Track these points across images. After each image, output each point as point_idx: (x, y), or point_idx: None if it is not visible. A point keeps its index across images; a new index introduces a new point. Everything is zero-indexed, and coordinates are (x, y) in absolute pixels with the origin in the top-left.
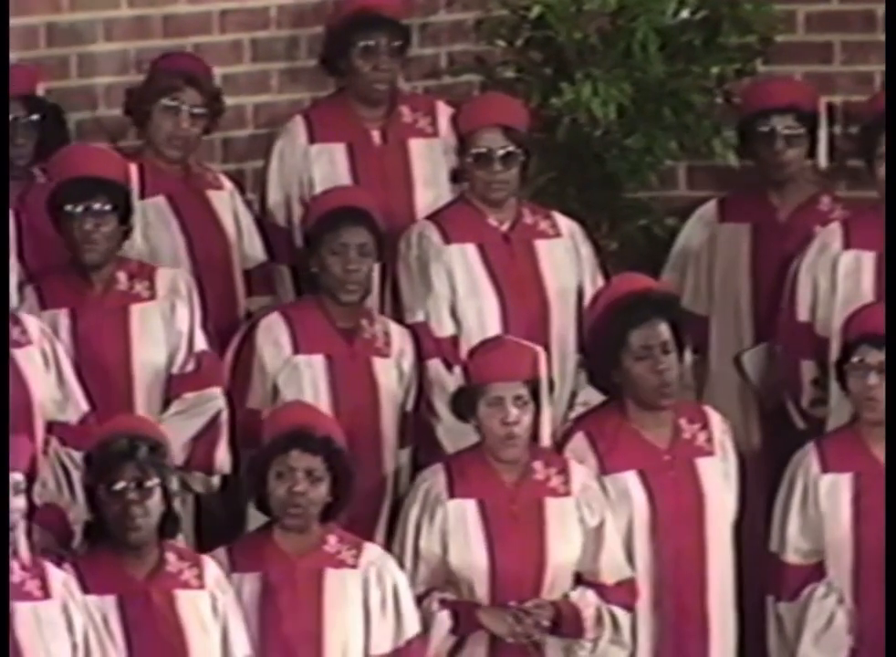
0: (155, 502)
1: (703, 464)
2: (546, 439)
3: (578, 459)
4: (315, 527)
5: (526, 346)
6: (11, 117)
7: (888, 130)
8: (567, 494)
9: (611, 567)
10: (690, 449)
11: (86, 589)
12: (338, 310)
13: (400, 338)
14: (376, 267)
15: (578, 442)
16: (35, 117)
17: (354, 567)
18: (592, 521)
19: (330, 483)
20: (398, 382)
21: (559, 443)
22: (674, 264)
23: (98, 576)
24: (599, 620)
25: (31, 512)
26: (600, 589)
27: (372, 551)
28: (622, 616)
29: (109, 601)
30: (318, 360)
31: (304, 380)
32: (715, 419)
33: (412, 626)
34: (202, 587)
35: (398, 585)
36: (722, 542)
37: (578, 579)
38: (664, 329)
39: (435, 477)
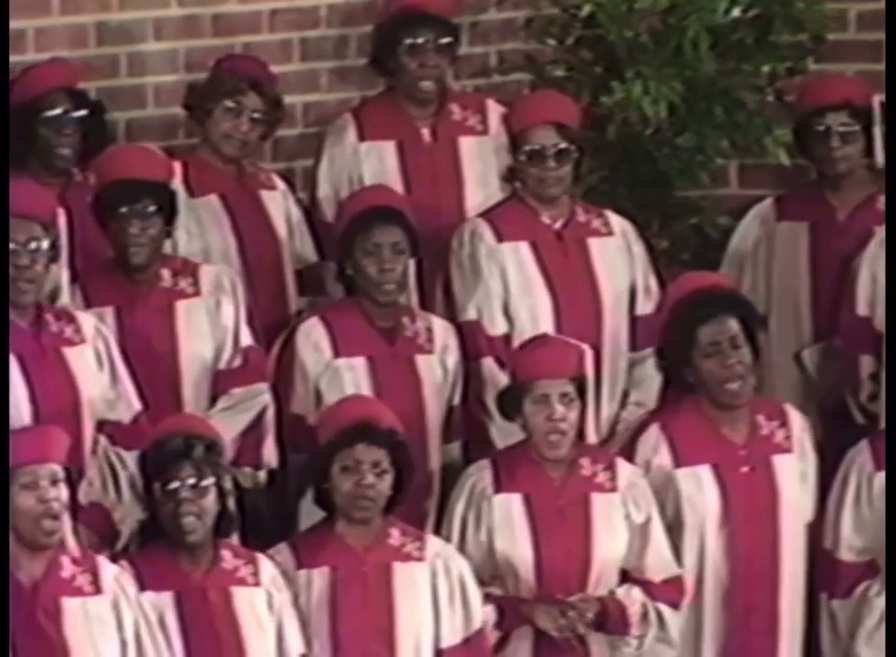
0: (210, 501)
1: (780, 462)
2: (591, 436)
3: (651, 451)
4: (378, 520)
5: (572, 343)
6: (60, 110)
7: (888, 130)
8: (613, 490)
9: (658, 564)
10: (767, 446)
11: (143, 587)
12: (376, 310)
13: (443, 333)
14: (411, 264)
15: (653, 433)
16: (81, 112)
17: (421, 559)
18: (638, 518)
19: (393, 475)
20: (442, 378)
21: (633, 434)
22: (730, 263)
23: (155, 573)
24: (644, 617)
25: (76, 510)
26: (647, 587)
27: (436, 543)
28: (669, 614)
29: (166, 598)
30: (360, 363)
31: (346, 383)
32: (795, 417)
33: (480, 616)
34: (257, 584)
35: (464, 576)
36: (795, 541)
37: (625, 576)
38: (733, 325)
39: (481, 472)
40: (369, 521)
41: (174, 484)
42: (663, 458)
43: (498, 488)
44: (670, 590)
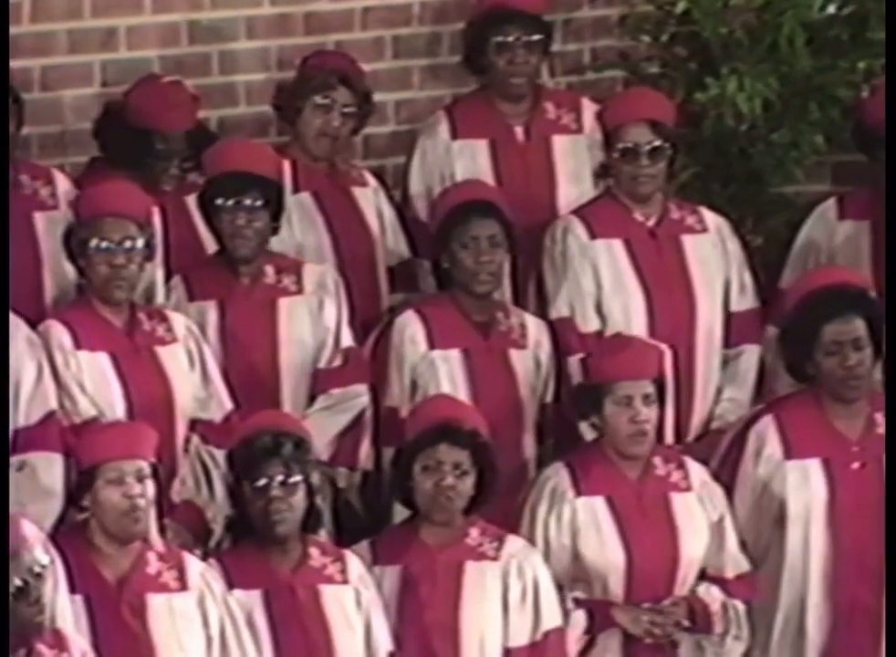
0: (299, 498)
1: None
2: (669, 437)
3: (762, 441)
4: (458, 520)
5: (652, 344)
6: (174, 149)
7: (888, 130)
8: (688, 489)
9: (732, 561)
10: (882, 443)
11: (231, 584)
12: (472, 304)
13: (536, 329)
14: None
15: (766, 424)
16: (193, 149)
17: (494, 559)
18: (713, 515)
19: (476, 476)
20: (535, 373)
21: (746, 424)
22: (794, 261)
23: (244, 571)
24: (725, 614)
25: (161, 508)
26: (722, 584)
27: (514, 544)
28: (742, 610)
29: (255, 596)
30: (455, 355)
31: (441, 375)
32: None
33: (552, 619)
34: (345, 582)
35: (539, 577)
36: None
37: (700, 574)
38: (858, 325)
39: (559, 475)
40: (448, 521)
41: (263, 482)
42: (774, 449)
43: (578, 491)
44: (743, 587)
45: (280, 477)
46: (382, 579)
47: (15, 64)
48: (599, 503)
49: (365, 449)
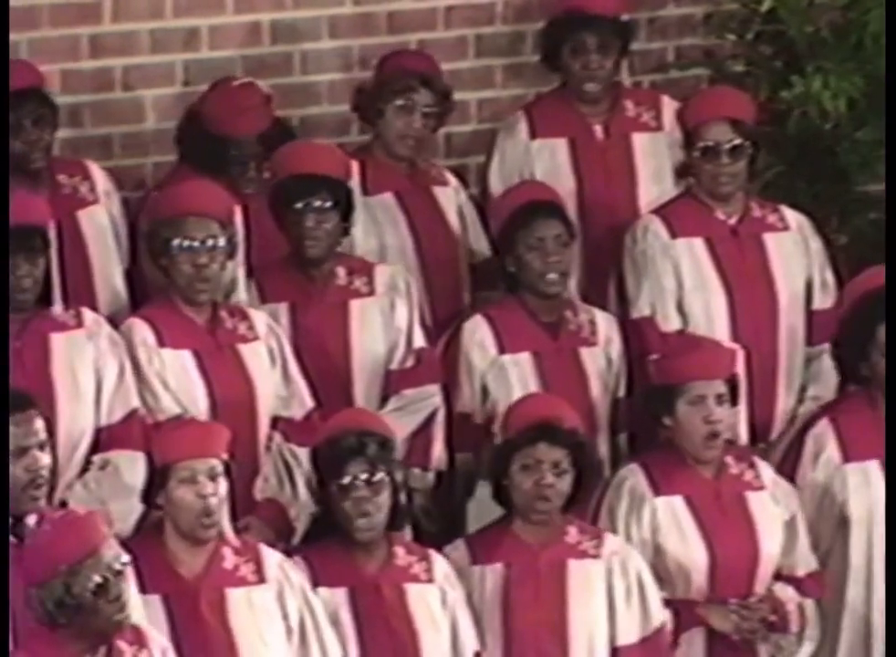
0: (384, 497)
1: None
2: (743, 436)
3: (820, 445)
4: (557, 519)
5: (725, 345)
6: (248, 152)
7: (888, 130)
8: (761, 488)
9: (803, 559)
10: None
11: (317, 583)
12: (539, 305)
13: (606, 325)
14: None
15: (823, 427)
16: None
17: (596, 557)
18: (786, 514)
19: (573, 475)
20: (607, 370)
21: (803, 427)
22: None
23: (329, 569)
24: (800, 613)
25: (235, 504)
26: (795, 583)
27: (614, 541)
28: (814, 609)
29: (340, 594)
30: (525, 358)
31: (512, 378)
32: None
33: (658, 615)
34: (431, 581)
35: (642, 574)
36: None
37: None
38: None
39: (635, 476)
40: (547, 519)
41: (348, 481)
42: (832, 452)
43: (657, 491)
44: (814, 585)
45: (365, 476)
46: (483, 578)
47: (96, 64)
48: (678, 502)
49: (438, 449)
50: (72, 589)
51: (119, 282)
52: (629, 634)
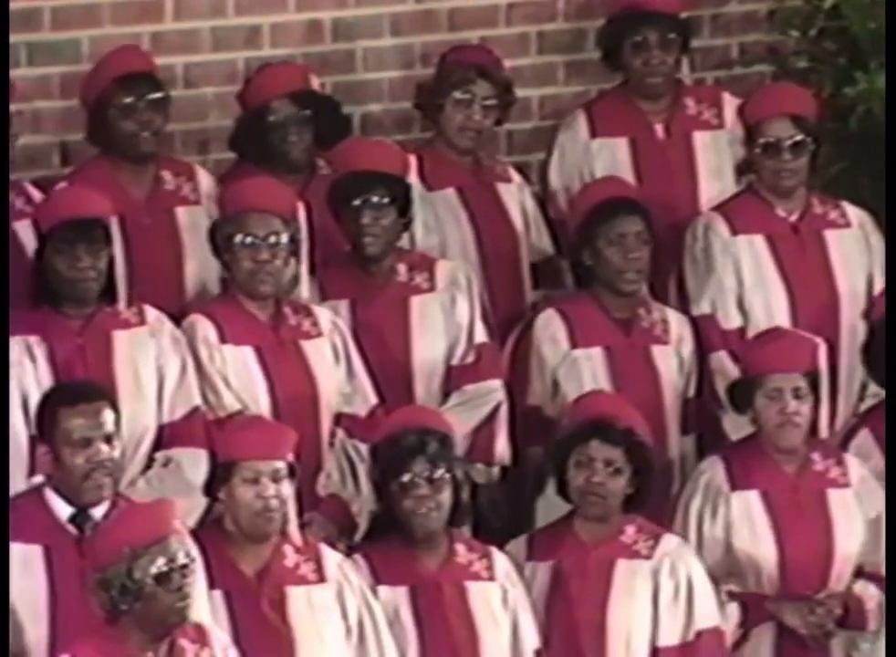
0: (445, 495)
1: None
2: (824, 431)
3: (863, 456)
4: (615, 517)
5: (806, 337)
6: (280, 116)
7: (888, 130)
8: (846, 485)
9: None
10: None
11: (377, 580)
12: (614, 301)
13: (678, 325)
14: None
15: (864, 439)
16: (306, 112)
17: (647, 557)
18: (871, 512)
19: (631, 474)
20: (678, 369)
21: (844, 439)
22: None
23: (390, 567)
24: (881, 612)
25: (301, 504)
26: (879, 581)
27: (669, 542)
28: None
29: (401, 592)
30: (597, 353)
31: (584, 373)
32: None
33: (706, 619)
34: (492, 578)
35: (693, 577)
36: None
37: (856, 572)
38: None
39: (714, 469)
40: (603, 517)
41: (409, 479)
42: (876, 463)
43: (734, 485)
44: None
45: (426, 474)
46: (535, 574)
47: (158, 61)
48: (753, 497)
49: (501, 445)
50: (133, 572)
51: (214, 286)
52: (670, 635)
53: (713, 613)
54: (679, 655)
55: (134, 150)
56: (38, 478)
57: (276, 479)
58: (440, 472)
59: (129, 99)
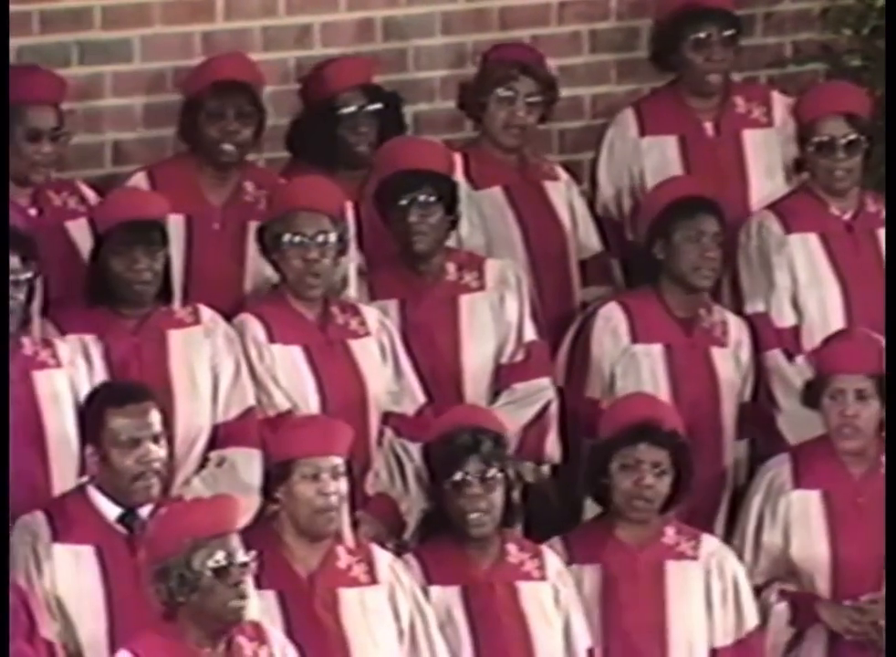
0: (498, 494)
1: None
2: None
3: None
4: (655, 519)
5: (874, 338)
6: (355, 107)
7: (888, 130)
8: None
9: None
10: None
11: (429, 580)
12: (677, 300)
13: (737, 327)
14: None
15: None
16: (376, 106)
17: (695, 558)
18: None
19: (673, 476)
20: (735, 372)
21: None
22: None
23: (441, 567)
24: None
25: (353, 500)
26: None
27: (711, 542)
28: None
29: (453, 592)
30: (657, 350)
31: (642, 369)
32: None
33: (752, 618)
34: (543, 578)
35: (737, 577)
36: None
37: None
38: None
39: (780, 467)
40: (645, 519)
41: (462, 478)
42: None
43: (797, 484)
44: None
45: (480, 474)
46: (581, 578)
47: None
48: (814, 497)
49: (551, 442)
50: (192, 563)
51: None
52: (725, 636)
53: (757, 612)
54: (734, 655)
55: (215, 157)
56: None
57: (335, 476)
58: (493, 471)
59: (217, 106)
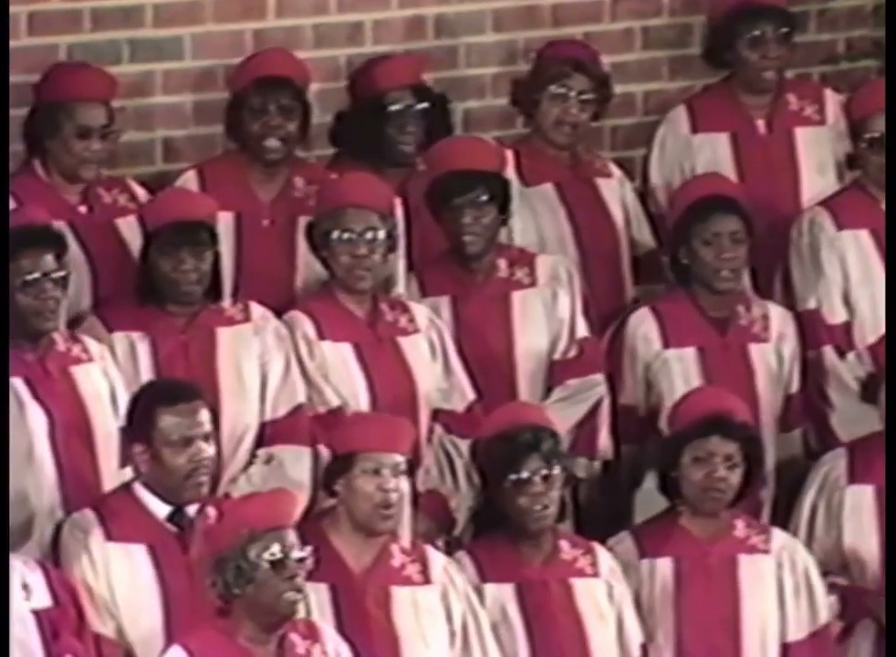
0: (558, 492)
1: None
2: None
3: None
4: (724, 512)
5: None
6: (402, 105)
7: (888, 129)
8: None
9: None
10: None
11: (484, 578)
12: (710, 300)
13: (780, 320)
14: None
15: None
16: (423, 105)
17: (766, 552)
18: None
19: (744, 469)
20: (777, 367)
21: None
22: None
23: (495, 564)
24: None
25: (415, 498)
26: None
27: (782, 536)
28: None
29: (507, 590)
30: (690, 353)
31: (675, 373)
32: None
33: (825, 612)
34: (596, 575)
35: (809, 570)
36: None
37: None
38: None
39: (836, 461)
40: (716, 512)
41: (526, 477)
42: None
43: (852, 479)
44: None
45: (543, 472)
46: (653, 572)
47: None
48: (868, 492)
49: (603, 439)
50: (249, 555)
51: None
52: (798, 630)
53: (827, 606)
54: (809, 649)
55: (260, 153)
56: (128, 470)
57: (395, 473)
58: (555, 469)
59: (260, 102)
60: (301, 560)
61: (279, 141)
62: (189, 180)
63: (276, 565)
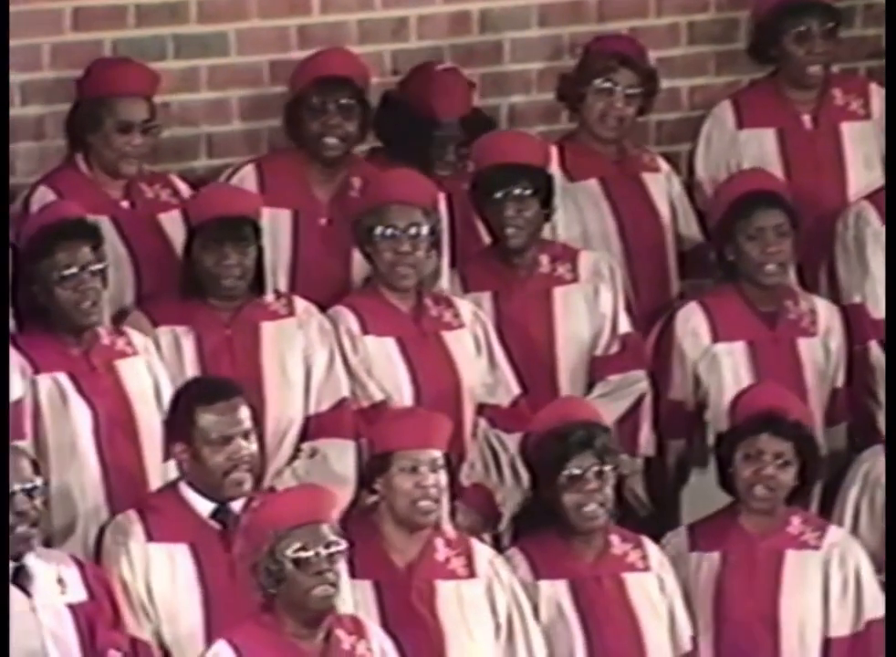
0: (611, 488)
1: None
2: None
3: None
4: (780, 509)
5: None
6: (451, 133)
7: (888, 129)
8: None
9: None
10: None
11: (536, 575)
12: (758, 294)
13: (827, 315)
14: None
15: None
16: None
17: (816, 548)
18: None
19: (799, 467)
20: (825, 361)
21: None
22: None
23: (548, 561)
24: None
25: (455, 492)
26: None
27: (836, 533)
28: None
29: (561, 587)
30: (739, 348)
31: (724, 368)
32: None
33: (875, 609)
34: (647, 569)
35: (860, 567)
36: None
37: None
38: None
39: (876, 458)
40: (769, 509)
41: (580, 473)
42: None
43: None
44: None
45: (596, 468)
46: (700, 565)
47: (305, 54)
48: None
49: (645, 435)
50: (276, 555)
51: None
52: (841, 626)
53: (881, 603)
54: (851, 646)
55: (319, 152)
56: (173, 465)
57: (433, 469)
58: (608, 465)
59: (320, 102)
60: (331, 555)
61: (338, 140)
62: (247, 174)
63: (301, 562)
